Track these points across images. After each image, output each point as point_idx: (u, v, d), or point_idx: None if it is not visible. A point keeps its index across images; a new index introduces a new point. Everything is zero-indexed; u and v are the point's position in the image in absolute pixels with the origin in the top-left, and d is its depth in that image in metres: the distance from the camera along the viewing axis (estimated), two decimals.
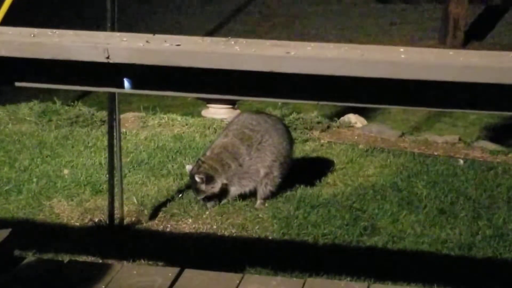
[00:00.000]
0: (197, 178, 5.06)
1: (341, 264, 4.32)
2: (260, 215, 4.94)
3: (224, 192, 5.16)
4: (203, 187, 5.07)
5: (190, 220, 4.89)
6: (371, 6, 14.16)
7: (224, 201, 5.15)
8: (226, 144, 5.21)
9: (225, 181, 5.12)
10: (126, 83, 2.89)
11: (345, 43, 3.11)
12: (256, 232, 4.75)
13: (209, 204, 5.09)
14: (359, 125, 6.95)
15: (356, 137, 6.60)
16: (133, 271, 3.75)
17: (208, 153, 5.22)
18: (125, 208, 4.85)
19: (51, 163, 5.69)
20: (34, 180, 5.35)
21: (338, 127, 6.86)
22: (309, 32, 12.46)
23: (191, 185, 5.16)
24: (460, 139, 6.60)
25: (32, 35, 2.97)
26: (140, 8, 13.60)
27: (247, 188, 5.19)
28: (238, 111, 6.70)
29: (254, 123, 5.28)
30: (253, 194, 5.23)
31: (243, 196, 5.20)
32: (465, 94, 2.79)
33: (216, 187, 5.11)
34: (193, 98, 7.47)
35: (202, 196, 5.09)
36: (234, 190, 5.18)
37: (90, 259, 4.31)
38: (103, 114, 6.59)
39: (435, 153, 6.20)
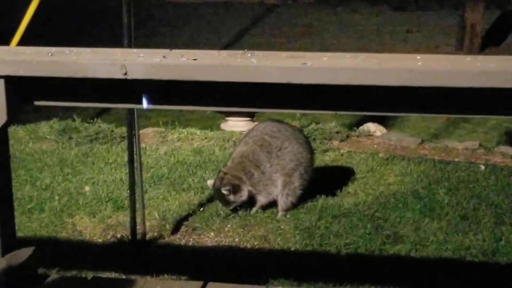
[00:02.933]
0: (224, 191, 5.07)
1: (364, 273, 4.30)
2: (282, 227, 4.93)
3: (252, 200, 5.19)
4: (231, 198, 5.09)
5: (212, 234, 4.89)
6: (386, 15, 14.15)
7: (246, 212, 5.15)
8: (247, 152, 5.22)
9: (250, 188, 5.14)
10: (144, 101, 2.90)
11: (361, 52, 3.12)
12: (279, 243, 4.74)
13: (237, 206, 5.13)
14: (378, 133, 6.93)
15: (375, 146, 6.59)
16: (157, 286, 3.75)
17: (229, 164, 5.23)
18: (147, 223, 4.85)
19: (72, 181, 5.71)
20: (56, 198, 5.37)
21: (357, 136, 6.85)
22: (325, 42, 12.47)
23: (218, 199, 5.17)
24: (480, 145, 6.57)
25: (50, 54, 2.99)
26: (156, 24, 13.66)
27: (273, 195, 5.20)
28: (256, 123, 6.71)
29: (275, 130, 5.29)
30: (272, 204, 5.22)
31: (264, 208, 5.20)
32: (483, 100, 2.78)
33: (244, 195, 5.12)
34: (211, 111, 7.48)
35: (232, 207, 5.11)
36: (262, 199, 5.19)
37: (113, 275, 4.31)
38: (123, 130, 6.61)
39: (456, 160, 6.17)
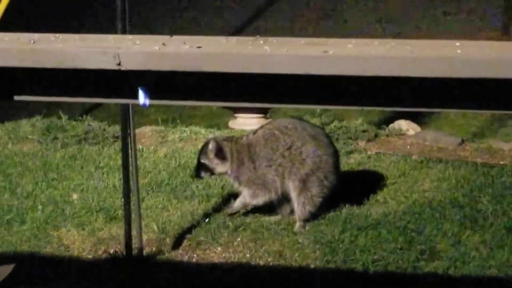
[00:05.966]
0: (211, 145, 5.27)
1: None
2: (300, 240, 4.93)
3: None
4: (211, 155, 5.27)
5: (219, 249, 4.90)
6: None
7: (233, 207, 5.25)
8: (250, 142, 5.31)
9: (229, 171, 5.27)
10: (141, 95, 2.90)
11: (392, 38, 3.12)
12: (296, 260, 4.74)
13: (203, 174, 5.35)
14: (411, 132, 6.93)
15: (408, 147, 6.58)
16: None
17: (237, 140, 5.35)
18: (144, 237, 4.86)
19: (58, 188, 5.72)
20: (39, 207, 5.38)
21: (387, 135, 6.84)
22: (350, 27, 12.45)
23: (201, 150, 5.37)
24: None
25: (32, 41, 3.00)
26: (154, 6, 13.67)
27: (260, 199, 5.25)
28: (270, 120, 6.71)
29: (289, 127, 5.31)
30: (286, 210, 5.23)
31: (279, 217, 5.21)
32: None
33: (219, 169, 5.29)
34: (218, 107, 7.49)
35: (205, 161, 5.29)
36: (246, 196, 5.27)
37: None
38: (116, 129, 6.62)
39: (501, 163, 6.16)
